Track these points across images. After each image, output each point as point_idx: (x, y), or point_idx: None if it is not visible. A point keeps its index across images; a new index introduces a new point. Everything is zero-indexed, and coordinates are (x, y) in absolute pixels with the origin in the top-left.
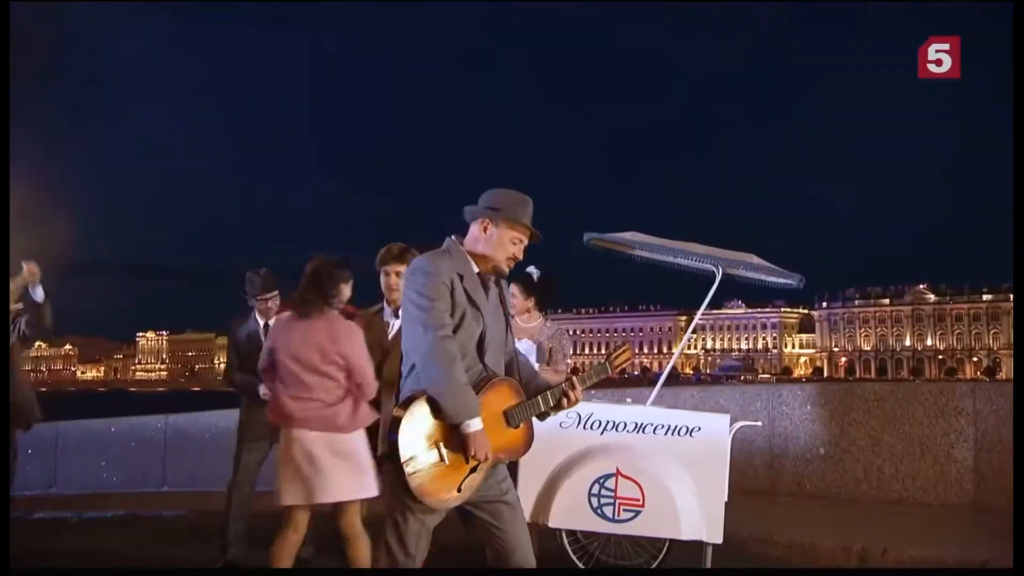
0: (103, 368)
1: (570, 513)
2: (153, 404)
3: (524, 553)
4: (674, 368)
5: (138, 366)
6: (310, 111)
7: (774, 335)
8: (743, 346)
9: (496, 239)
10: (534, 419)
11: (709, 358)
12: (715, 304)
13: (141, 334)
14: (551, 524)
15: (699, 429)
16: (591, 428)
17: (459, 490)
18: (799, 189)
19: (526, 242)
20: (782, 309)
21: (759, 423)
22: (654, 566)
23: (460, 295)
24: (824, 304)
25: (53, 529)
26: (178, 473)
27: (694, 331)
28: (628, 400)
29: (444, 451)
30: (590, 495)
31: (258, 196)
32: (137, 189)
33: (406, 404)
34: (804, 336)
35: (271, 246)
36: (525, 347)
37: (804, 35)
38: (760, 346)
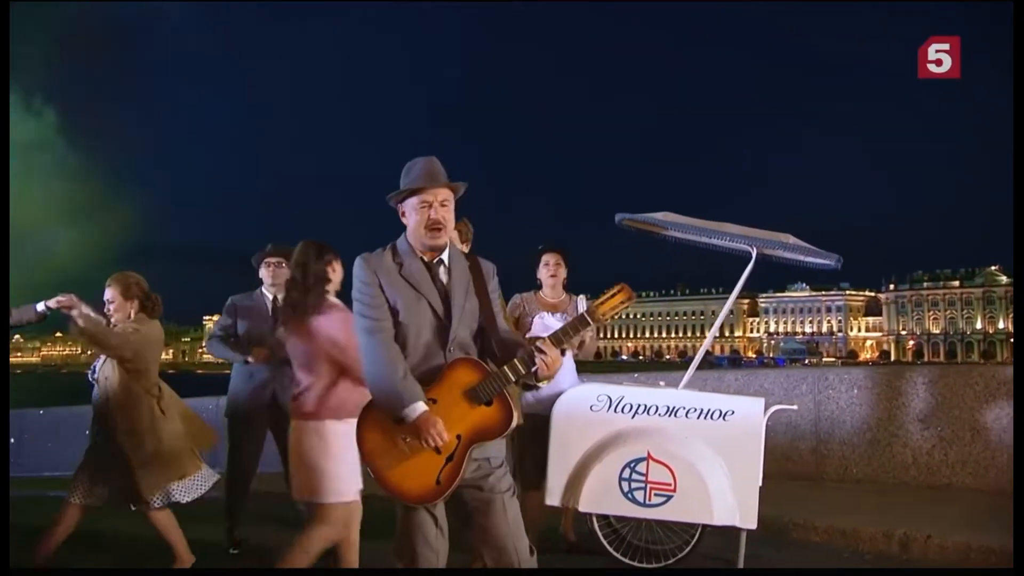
0: (172, 351)
1: (600, 497)
2: (217, 386)
3: (513, 542)
4: (736, 352)
5: (205, 348)
6: (380, 101)
7: (839, 318)
8: (807, 329)
9: (410, 216)
10: (521, 390)
11: (772, 341)
12: (779, 287)
13: (208, 318)
14: (581, 508)
15: (732, 413)
16: (622, 411)
17: (438, 483)
18: (864, 172)
19: (440, 199)
20: (847, 292)
21: (794, 407)
22: (686, 551)
23: (397, 285)
24: (891, 287)
25: (102, 508)
26: None
27: (757, 314)
28: (661, 383)
29: (409, 447)
30: (621, 479)
31: (319, 184)
32: (202, 178)
33: (364, 408)
34: (870, 319)
35: (332, 231)
36: (561, 322)
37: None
38: (825, 329)
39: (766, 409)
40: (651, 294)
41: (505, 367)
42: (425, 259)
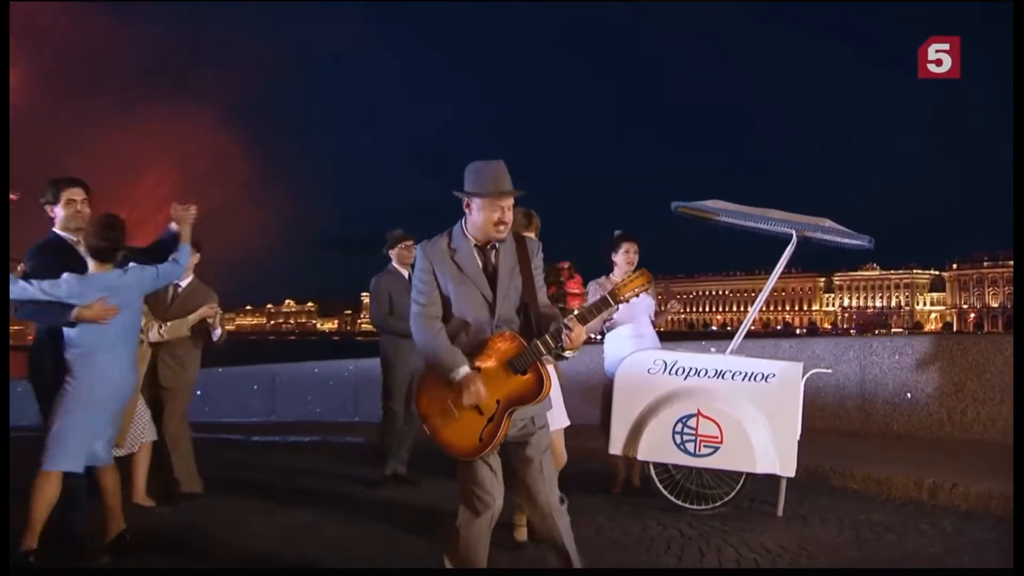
0: (336, 320)
1: (656, 448)
2: (371, 350)
3: (545, 495)
4: (813, 323)
5: (363, 319)
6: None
7: (907, 294)
8: (878, 304)
9: (477, 212)
10: (554, 359)
11: (846, 315)
12: (852, 267)
13: (364, 293)
14: (640, 457)
15: (773, 375)
16: (676, 374)
17: (481, 440)
18: (934, 162)
19: (509, 203)
20: (914, 271)
21: (830, 370)
22: (732, 495)
23: (450, 269)
24: (954, 266)
25: (265, 449)
26: (365, 406)
27: (832, 291)
28: (712, 350)
29: (456, 408)
30: (674, 432)
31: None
32: (364, 178)
33: (420, 378)
34: (935, 295)
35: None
36: (644, 301)
37: None
38: (894, 304)
39: (804, 373)
40: (738, 273)
41: (537, 341)
42: (479, 245)
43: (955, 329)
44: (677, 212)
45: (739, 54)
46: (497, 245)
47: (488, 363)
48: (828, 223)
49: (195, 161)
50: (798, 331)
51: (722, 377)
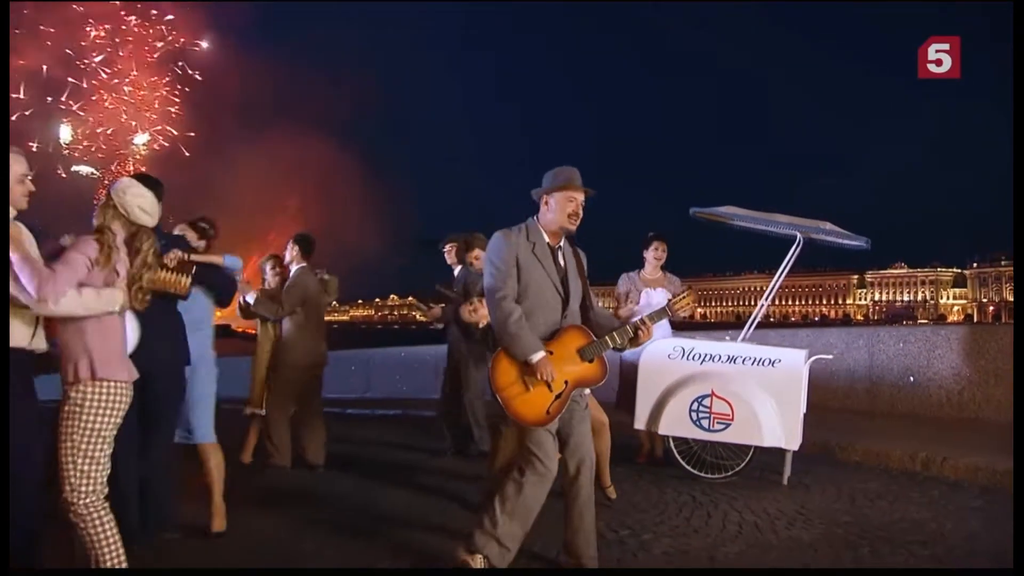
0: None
1: (675, 424)
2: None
3: (584, 437)
4: (847, 315)
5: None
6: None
7: (931, 290)
8: (905, 298)
9: (554, 206)
10: (614, 350)
11: (877, 308)
12: (882, 266)
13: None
14: (660, 432)
15: (780, 361)
16: (693, 359)
17: (548, 412)
18: (955, 167)
19: (580, 199)
20: (938, 269)
21: (830, 356)
22: (743, 466)
23: (531, 261)
24: (975, 264)
25: (358, 421)
26: None
27: (864, 286)
28: (727, 337)
29: (528, 384)
30: (691, 411)
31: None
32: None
33: (497, 353)
34: (957, 290)
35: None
36: (662, 296)
37: None
38: (919, 298)
39: (807, 359)
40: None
41: (606, 337)
42: (551, 244)
43: (976, 321)
44: (694, 216)
45: (739, 55)
46: (562, 246)
47: (560, 349)
48: (828, 226)
49: (318, 177)
50: (829, 321)
51: (733, 362)
